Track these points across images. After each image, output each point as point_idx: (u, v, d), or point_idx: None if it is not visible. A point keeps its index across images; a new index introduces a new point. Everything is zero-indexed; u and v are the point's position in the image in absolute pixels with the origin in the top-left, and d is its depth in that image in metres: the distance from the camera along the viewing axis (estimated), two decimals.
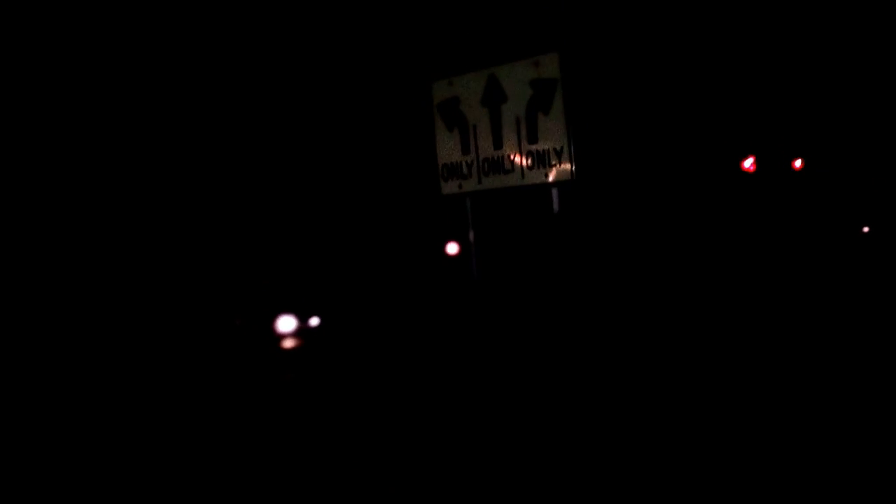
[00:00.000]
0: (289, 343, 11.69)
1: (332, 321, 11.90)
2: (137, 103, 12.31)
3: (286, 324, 11.78)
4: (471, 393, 7.81)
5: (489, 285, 8.33)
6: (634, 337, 9.82)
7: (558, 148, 7.06)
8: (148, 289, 12.30)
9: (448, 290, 11.97)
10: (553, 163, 7.09)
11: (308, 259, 13.39)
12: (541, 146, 7.15)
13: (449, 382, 8.49)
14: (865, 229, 19.61)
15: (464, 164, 7.63)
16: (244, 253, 13.25)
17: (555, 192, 7.19)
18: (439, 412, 7.37)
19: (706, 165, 11.56)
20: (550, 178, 7.12)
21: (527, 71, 7.16)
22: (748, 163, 11.88)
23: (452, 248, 13.90)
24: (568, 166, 7.02)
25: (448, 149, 7.74)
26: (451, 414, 7.26)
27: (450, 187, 7.77)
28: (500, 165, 7.42)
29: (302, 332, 11.77)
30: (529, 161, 7.23)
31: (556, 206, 7.22)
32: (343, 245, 13.63)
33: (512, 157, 7.33)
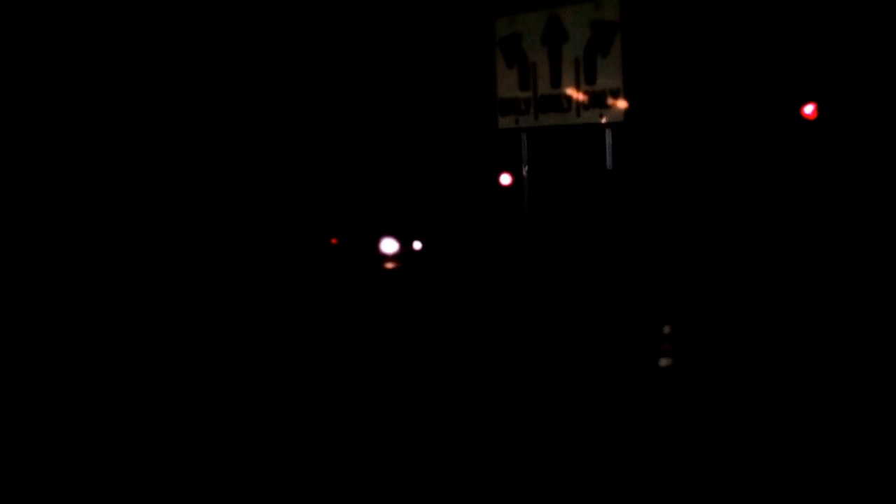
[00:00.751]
0: (389, 265, 12.22)
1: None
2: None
3: (388, 245, 12.30)
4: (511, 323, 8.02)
5: (538, 219, 8.59)
6: (677, 286, 9.68)
7: (615, 89, 7.28)
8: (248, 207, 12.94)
9: (500, 220, 12.29)
10: (609, 103, 7.32)
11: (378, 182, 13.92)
12: (598, 87, 7.36)
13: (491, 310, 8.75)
14: None
15: (521, 100, 7.87)
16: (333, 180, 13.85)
17: (608, 133, 7.43)
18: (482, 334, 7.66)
19: (767, 116, 11.42)
20: (605, 118, 7.36)
21: (588, 13, 7.33)
22: (808, 109, 11.64)
23: (505, 179, 14.17)
24: (623, 107, 7.25)
25: (507, 85, 7.97)
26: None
27: (507, 122, 8.03)
28: (558, 103, 7.65)
29: (400, 255, 12.30)
30: (586, 100, 7.46)
31: (608, 147, 7.47)
32: (405, 171, 14.10)
33: (569, 95, 7.55)
